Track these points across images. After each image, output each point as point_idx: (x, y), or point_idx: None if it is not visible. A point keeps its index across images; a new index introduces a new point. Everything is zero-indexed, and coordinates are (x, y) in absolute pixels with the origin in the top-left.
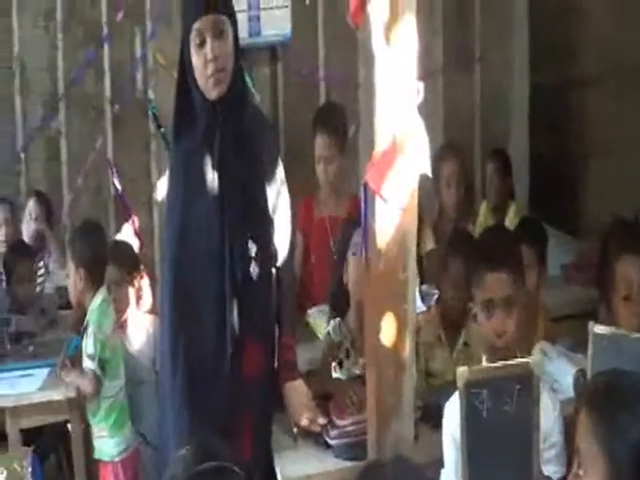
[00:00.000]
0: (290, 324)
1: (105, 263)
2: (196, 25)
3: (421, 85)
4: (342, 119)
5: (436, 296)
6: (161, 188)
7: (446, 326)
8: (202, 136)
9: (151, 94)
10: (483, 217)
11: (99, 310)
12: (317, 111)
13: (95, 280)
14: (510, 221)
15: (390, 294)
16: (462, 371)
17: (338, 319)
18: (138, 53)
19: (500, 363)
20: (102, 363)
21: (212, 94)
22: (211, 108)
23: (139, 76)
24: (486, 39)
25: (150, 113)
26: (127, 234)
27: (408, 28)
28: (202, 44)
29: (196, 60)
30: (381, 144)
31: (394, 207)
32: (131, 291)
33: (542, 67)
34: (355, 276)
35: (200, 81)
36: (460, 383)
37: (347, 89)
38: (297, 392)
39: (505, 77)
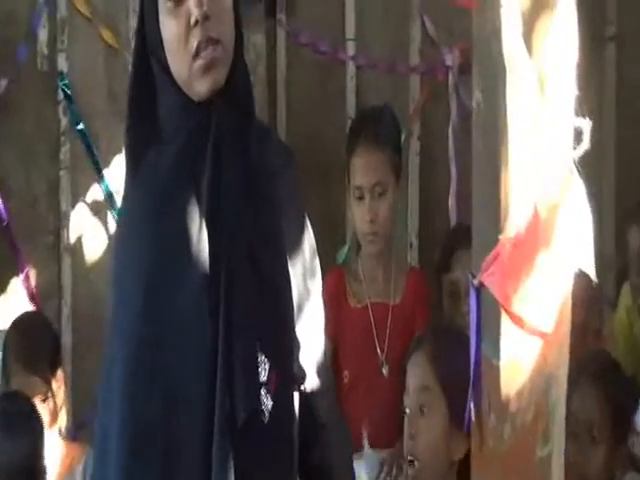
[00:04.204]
0: None
1: None
2: None
3: (586, 124)
4: (397, 131)
5: None
6: (78, 221)
7: None
8: (182, 164)
9: (63, 63)
10: (624, 311)
11: None
12: (356, 118)
13: None
14: None
15: None
16: None
17: None
18: None
19: None
20: None
21: (200, 88)
22: (198, 115)
23: (42, 32)
24: (626, 8)
25: (60, 94)
26: (16, 297)
27: (565, 20)
28: None
29: (170, 27)
30: (512, 222)
31: (533, 333)
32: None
33: None
34: None
35: (177, 67)
36: None
37: (392, 80)
38: None
39: None
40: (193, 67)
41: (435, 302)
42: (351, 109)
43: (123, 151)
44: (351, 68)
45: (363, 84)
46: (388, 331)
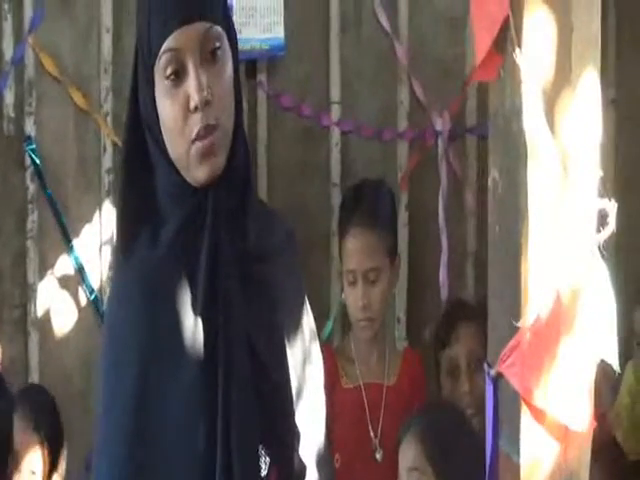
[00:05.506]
0: None
1: None
2: (168, 43)
3: (611, 206)
4: (394, 211)
5: None
6: (46, 294)
7: None
8: (176, 251)
9: (30, 126)
10: (627, 393)
11: None
12: (350, 195)
13: None
14: None
15: None
16: None
17: None
18: (8, 52)
19: None
20: None
21: (198, 175)
22: (195, 199)
23: (9, 94)
24: (626, 70)
25: (28, 160)
26: None
27: (588, 97)
28: (180, 78)
29: (167, 107)
30: (532, 308)
31: (555, 429)
32: None
33: None
34: None
35: (174, 149)
36: None
37: (379, 147)
38: None
39: None
40: (191, 153)
41: (431, 380)
42: (336, 176)
43: (93, 220)
44: (336, 133)
45: (348, 150)
46: (382, 413)
